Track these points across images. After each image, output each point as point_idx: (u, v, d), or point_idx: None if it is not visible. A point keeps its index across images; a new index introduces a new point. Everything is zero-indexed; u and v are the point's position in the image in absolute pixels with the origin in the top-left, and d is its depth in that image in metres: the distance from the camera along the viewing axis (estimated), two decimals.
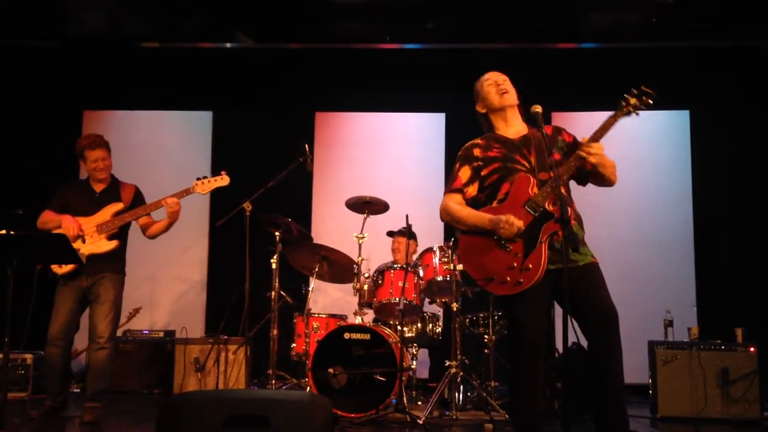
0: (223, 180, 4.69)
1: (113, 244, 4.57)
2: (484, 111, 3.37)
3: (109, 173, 4.75)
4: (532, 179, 3.13)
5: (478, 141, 3.34)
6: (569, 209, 2.98)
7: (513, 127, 3.31)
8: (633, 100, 3.15)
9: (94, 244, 4.52)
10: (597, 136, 3.13)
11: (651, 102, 3.15)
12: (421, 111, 7.42)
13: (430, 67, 7.18)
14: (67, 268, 4.47)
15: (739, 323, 5.26)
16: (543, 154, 3.13)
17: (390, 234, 6.07)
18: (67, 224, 4.49)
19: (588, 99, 7.02)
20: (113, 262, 4.62)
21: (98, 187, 4.71)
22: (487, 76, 3.38)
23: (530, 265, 3.04)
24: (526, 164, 3.18)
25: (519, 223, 3.05)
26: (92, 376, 4.50)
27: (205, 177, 4.67)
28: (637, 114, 3.16)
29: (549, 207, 3.06)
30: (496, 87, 3.30)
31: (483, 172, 3.24)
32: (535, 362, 3.09)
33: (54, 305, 4.55)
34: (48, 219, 4.61)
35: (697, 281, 6.80)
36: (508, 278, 3.07)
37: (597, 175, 3.22)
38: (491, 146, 3.27)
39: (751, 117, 6.87)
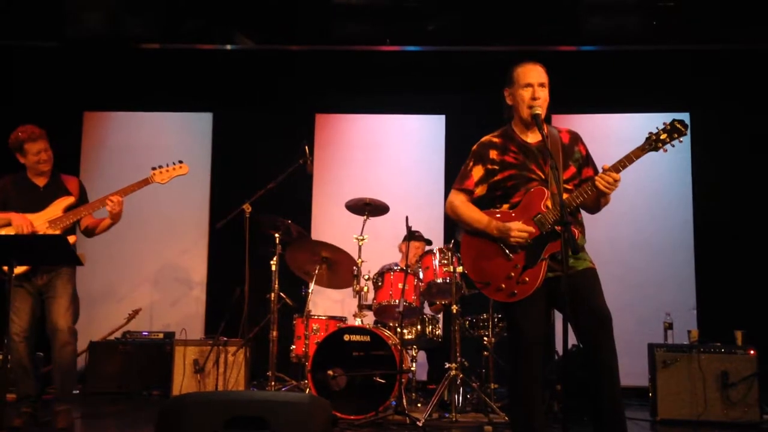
0: (182, 169, 4.48)
1: (72, 239, 4.26)
2: (510, 104, 3.26)
3: (51, 166, 4.44)
4: (546, 192, 3.10)
5: (495, 140, 3.25)
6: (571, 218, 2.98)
7: (534, 133, 3.22)
8: (663, 135, 3.05)
9: None
10: (620, 166, 3.04)
11: (681, 140, 3.04)
12: (421, 113, 7.42)
13: (430, 69, 7.18)
14: (21, 269, 4.17)
15: (739, 326, 5.26)
16: (558, 165, 3.07)
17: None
18: (17, 222, 4.19)
19: (588, 101, 7.04)
20: None
21: (40, 182, 4.41)
22: (527, 75, 3.18)
23: (527, 279, 3.05)
24: (541, 174, 3.14)
25: (530, 230, 3.04)
26: (59, 376, 4.25)
27: (160, 166, 4.44)
28: (665, 150, 3.06)
29: (557, 227, 3.01)
30: (531, 99, 3.14)
31: (497, 177, 3.20)
32: (533, 364, 3.09)
33: (11, 304, 4.20)
34: None
35: (697, 284, 6.80)
36: (503, 286, 3.08)
37: (593, 202, 3.18)
38: (508, 149, 3.21)
39: (751, 120, 6.87)
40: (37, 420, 4.30)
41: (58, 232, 4.24)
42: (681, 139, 3.05)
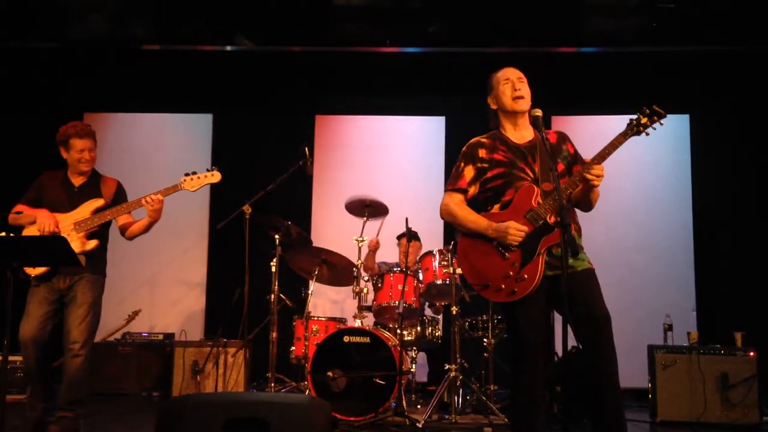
0: (214, 177, 4.33)
1: (93, 243, 4.17)
2: (494, 107, 3.31)
3: (92, 167, 4.36)
4: (536, 189, 3.11)
5: (484, 140, 3.28)
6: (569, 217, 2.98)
7: (521, 131, 3.26)
8: (644, 119, 3.08)
9: (72, 243, 3.95)
10: (603, 155, 3.05)
11: (662, 123, 3.08)
12: (421, 114, 7.43)
13: (430, 70, 7.19)
14: (40, 269, 4.09)
15: (739, 328, 5.26)
16: (547, 163, 3.10)
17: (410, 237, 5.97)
18: (42, 219, 4.09)
19: (588, 103, 7.05)
20: (92, 262, 4.20)
21: (78, 181, 4.32)
22: (505, 73, 3.29)
23: (525, 276, 3.05)
24: (530, 173, 3.16)
25: (524, 229, 3.06)
26: (65, 385, 4.10)
27: (194, 173, 4.28)
28: (647, 134, 3.09)
29: (550, 220, 3.05)
30: (512, 90, 3.23)
31: (487, 175, 3.22)
32: (535, 365, 3.09)
33: (26, 306, 4.16)
34: (20, 213, 4.20)
35: (697, 285, 6.80)
36: (503, 286, 3.08)
37: (583, 198, 3.19)
38: (497, 148, 3.23)
39: (750, 121, 6.88)
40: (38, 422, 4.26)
41: (82, 234, 4.15)
42: (662, 121, 3.09)
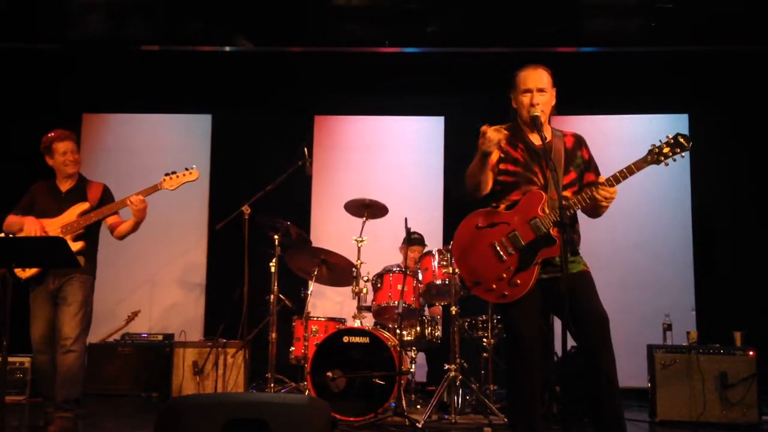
0: (192, 175, 4.40)
1: (78, 245, 4.27)
2: (515, 107, 3.29)
3: (78, 169, 4.49)
4: (544, 197, 3.11)
5: (504, 132, 3.25)
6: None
7: (537, 135, 3.23)
8: (666, 149, 3.04)
9: None
10: (618, 178, 3.04)
11: (683, 155, 3.04)
12: (420, 114, 7.43)
13: (429, 70, 7.19)
14: (30, 272, 4.23)
15: (738, 327, 5.26)
16: (559, 169, 3.07)
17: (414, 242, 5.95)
18: (29, 227, 4.25)
19: (587, 103, 7.04)
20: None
21: (65, 186, 4.46)
22: (526, 80, 3.22)
23: (518, 281, 3.06)
24: (541, 178, 3.16)
25: (498, 136, 3.02)
26: (60, 383, 4.15)
27: (174, 172, 4.39)
28: (666, 164, 3.05)
29: (552, 232, 3.05)
30: (529, 105, 3.17)
31: (501, 166, 3.22)
32: (531, 363, 3.10)
33: (31, 311, 4.31)
34: (11, 222, 4.38)
35: (696, 285, 6.81)
36: (494, 287, 3.09)
37: (590, 208, 3.21)
38: (516, 145, 3.23)
39: (749, 121, 6.88)
40: (43, 424, 4.28)
41: (69, 236, 4.22)
42: (683, 153, 3.05)
